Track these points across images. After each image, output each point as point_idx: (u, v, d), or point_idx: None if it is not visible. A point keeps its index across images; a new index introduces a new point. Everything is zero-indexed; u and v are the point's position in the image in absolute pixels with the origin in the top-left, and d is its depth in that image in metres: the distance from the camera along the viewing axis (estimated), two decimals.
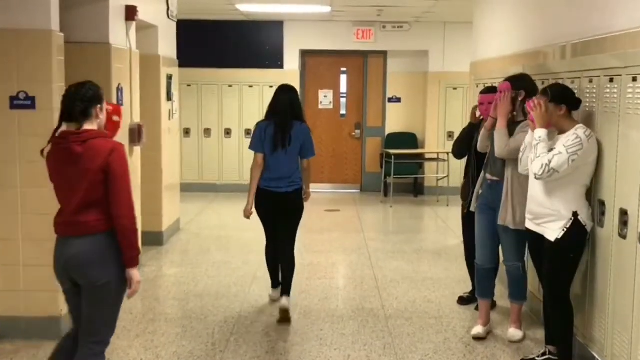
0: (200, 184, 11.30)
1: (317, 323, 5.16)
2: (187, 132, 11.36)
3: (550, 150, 4.08)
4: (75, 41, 5.60)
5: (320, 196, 9.10)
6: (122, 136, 6.00)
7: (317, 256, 7.27)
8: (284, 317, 5.16)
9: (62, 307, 4.70)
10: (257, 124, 5.31)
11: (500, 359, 4.54)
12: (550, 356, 4.35)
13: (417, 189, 11.31)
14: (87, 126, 3.26)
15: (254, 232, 8.21)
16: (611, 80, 3.98)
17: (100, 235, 3.20)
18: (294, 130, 5.22)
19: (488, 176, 4.91)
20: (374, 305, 5.61)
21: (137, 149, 6.51)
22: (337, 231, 8.52)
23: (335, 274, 6.71)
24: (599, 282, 4.13)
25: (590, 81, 4.27)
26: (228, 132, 11.36)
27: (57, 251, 3.29)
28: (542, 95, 4.25)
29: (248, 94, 11.32)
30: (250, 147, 5.32)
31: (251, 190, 5.27)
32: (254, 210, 5.32)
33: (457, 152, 5.72)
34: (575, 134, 4.06)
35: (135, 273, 3.26)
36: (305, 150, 5.31)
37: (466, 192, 5.42)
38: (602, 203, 4.06)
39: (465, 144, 5.51)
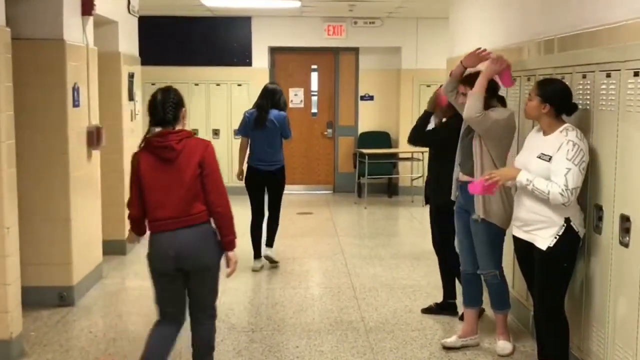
0: None
1: (292, 339, 4.80)
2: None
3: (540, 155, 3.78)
4: (25, 37, 5.18)
5: (292, 198, 8.75)
6: (79, 139, 5.59)
7: (290, 263, 6.91)
8: (272, 262, 6.61)
9: (12, 330, 4.27)
10: (244, 112, 6.63)
11: None
12: None
13: (391, 190, 11.02)
14: (177, 128, 3.61)
15: None
16: (608, 76, 3.69)
17: (205, 224, 3.59)
18: (271, 115, 6.46)
19: (460, 176, 4.59)
20: (352, 317, 5.27)
21: (96, 153, 6.08)
22: (310, 235, 8.17)
23: (310, 283, 6.35)
24: (597, 292, 3.84)
25: (584, 77, 3.98)
26: (195, 133, 10.88)
27: (162, 244, 3.58)
28: (535, 86, 3.98)
29: (215, 93, 10.90)
30: (237, 132, 6.78)
31: (240, 164, 6.65)
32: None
33: (412, 138, 5.17)
34: (570, 141, 3.72)
35: (233, 254, 3.67)
36: (283, 133, 6.56)
37: (427, 191, 5.20)
38: (600, 208, 3.77)
39: (420, 132, 5.09)
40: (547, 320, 3.91)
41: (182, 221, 3.54)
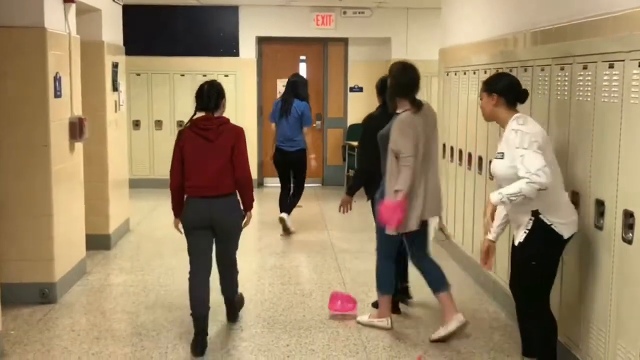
0: (152, 180, 10.65)
1: (283, 337, 4.66)
2: (136, 124, 10.71)
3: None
4: (4, 25, 5.02)
5: (278, 191, 8.57)
6: (61, 131, 5.40)
7: (279, 258, 6.77)
8: (285, 230, 7.67)
9: None
10: (274, 102, 7.92)
11: None
12: None
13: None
14: (217, 114, 4.46)
15: None
16: (611, 67, 3.57)
17: (232, 195, 4.46)
18: (294, 105, 7.50)
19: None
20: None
21: (79, 145, 5.88)
22: (300, 230, 8.01)
23: (300, 279, 6.20)
24: (598, 290, 3.72)
25: (585, 67, 3.85)
26: (180, 124, 10.69)
27: (199, 207, 4.37)
28: (481, 87, 3.92)
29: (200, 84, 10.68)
30: (269, 119, 7.86)
31: (273, 147, 7.81)
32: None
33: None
34: (512, 130, 3.62)
35: (250, 214, 4.61)
36: (303, 121, 7.51)
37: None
38: (601, 203, 3.65)
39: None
40: (528, 317, 3.79)
41: (216, 190, 4.37)
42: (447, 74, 7.11)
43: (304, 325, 4.90)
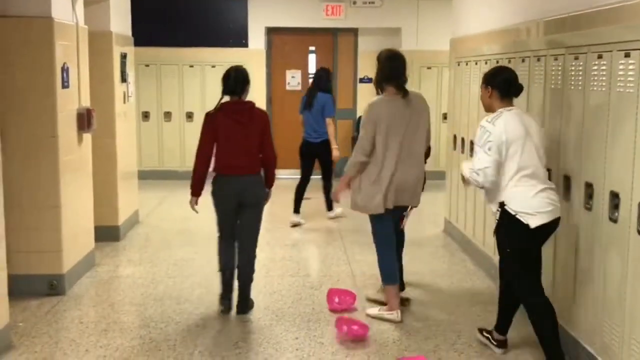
0: (161, 171, 10.64)
1: (292, 330, 4.62)
2: (145, 115, 10.67)
3: None
4: (11, 15, 4.96)
5: (289, 182, 8.48)
6: (69, 122, 5.37)
7: (289, 250, 6.73)
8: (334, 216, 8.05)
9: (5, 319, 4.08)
10: (303, 96, 7.98)
11: None
12: (484, 335, 4.31)
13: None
14: (243, 98, 4.79)
15: None
16: (627, 55, 3.49)
17: (259, 174, 4.82)
18: (317, 97, 7.67)
19: None
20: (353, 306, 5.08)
21: (87, 137, 5.85)
22: (309, 221, 7.97)
23: (310, 271, 6.16)
24: (609, 280, 3.66)
25: (600, 57, 3.77)
26: (190, 116, 10.69)
27: (230, 184, 4.75)
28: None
29: (210, 75, 10.62)
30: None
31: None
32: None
33: None
34: (481, 126, 3.90)
35: (270, 190, 4.94)
36: (325, 111, 7.65)
37: None
38: (616, 195, 3.57)
39: None
40: (521, 300, 4.01)
41: (246, 169, 4.74)
42: (458, 64, 7.02)
43: (313, 317, 4.86)
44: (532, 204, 3.77)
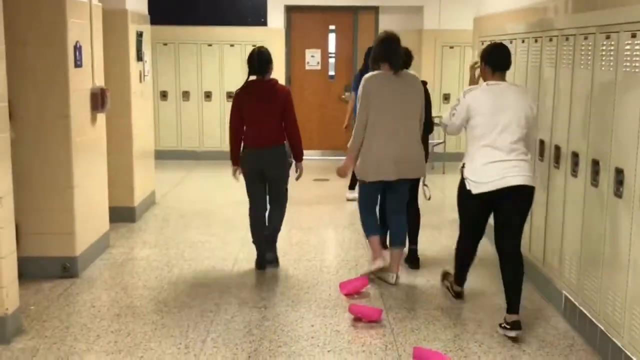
0: (179, 152, 10.56)
1: (307, 317, 4.51)
2: (164, 95, 10.57)
3: None
4: None
5: (307, 164, 8.32)
6: (82, 101, 5.27)
7: (305, 233, 6.60)
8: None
9: (7, 306, 4.00)
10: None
11: None
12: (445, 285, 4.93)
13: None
14: (267, 77, 5.18)
15: (237, 207, 7.55)
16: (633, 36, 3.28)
17: (283, 146, 5.25)
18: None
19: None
20: (370, 292, 4.96)
21: (102, 116, 5.75)
22: (326, 203, 7.85)
23: (327, 255, 6.04)
24: (612, 251, 3.49)
25: (634, 36, 3.56)
26: (208, 95, 10.57)
27: (258, 155, 5.20)
28: None
29: (229, 54, 10.50)
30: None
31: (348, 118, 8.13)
32: None
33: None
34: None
35: (301, 164, 5.39)
36: None
37: None
38: (620, 171, 3.41)
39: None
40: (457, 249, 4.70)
41: (270, 142, 5.17)
42: (482, 44, 6.78)
43: (330, 304, 4.74)
44: (478, 172, 4.18)
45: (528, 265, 5.17)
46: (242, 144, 5.26)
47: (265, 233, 5.43)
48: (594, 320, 3.98)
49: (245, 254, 5.77)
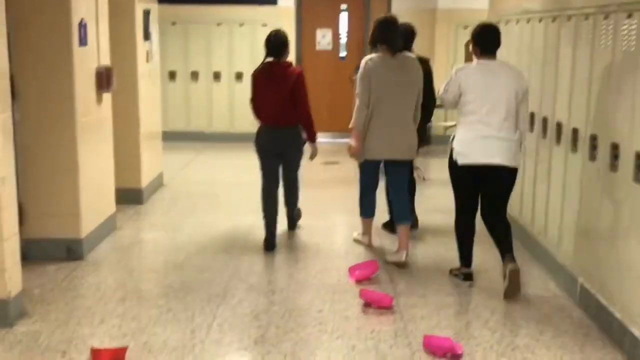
0: (188, 133, 10.46)
1: (315, 303, 4.41)
2: (172, 75, 10.45)
3: None
4: None
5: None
6: (87, 81, 5.16)
7: (315, 217, 6.47)
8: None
9: (10, 289, 3.93)
10: None
11: (536, 349, 3.78)
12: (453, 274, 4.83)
13: (423, 139, 10.44)
14: (283, 59, 5.37)
15: (245, 189, 7.45)
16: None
17: (296, 126, 5.44)
18: None
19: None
20: (381, 278, 4.85)
21: (107, 96, 5.64)
22: (336, 187, 7.74)
23: (336, 239, 5.94)
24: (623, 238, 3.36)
25: (630, 16, 3.41)
26: (217, 76, 10.44)
27: (270, 135, 5.37)
28: None
29: (238, 34, 10.36)
30: None
31: None
32: None
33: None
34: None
35: (314, 145, 5.60)
36: None
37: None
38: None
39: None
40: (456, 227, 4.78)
41: (280, 122, 5.33)
42: (498, 24, 6.61)
43: (338, 289, 4.64)
44: (465, 145, 4.41)
45: (541, 251, 5.06)
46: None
47: (286, 210, 5.84)
48: (610, 308, 3.86)
49: (253, 237, 5.68)
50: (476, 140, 4.39)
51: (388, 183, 5.41)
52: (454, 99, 4.52)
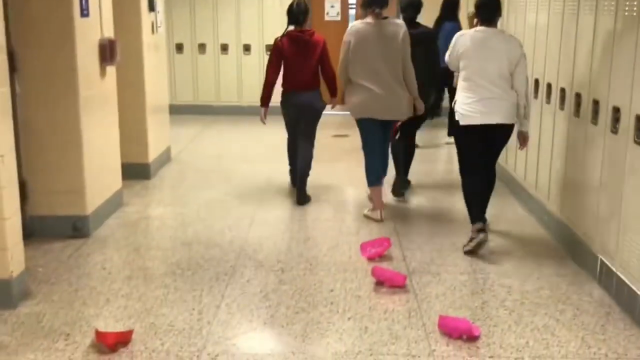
0: (195, 106, 10.30)
1: (326, 281, 4.29)
2: (179, 48, 10.27)
3: None
4: None
5: (326, 119, 8.02)
6: (89, 53, 5.00)
7: (324, 192, 6.35)
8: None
9: (12, 269, 3.82)
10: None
11: (556, 331, 3.65)
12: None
13: (432, 111, 10.23)
14: (305, 27, 5.87)
15: (253, 164, 7.32)
16: None
17: (318, 89, 5.89)
18: (443, 27, 7.67)
19: None
20: (393, 255, 4.72)
21: (111, 69, 5.48)
22: (346, 160, 7.58)
23: (346, 215, 5.79)
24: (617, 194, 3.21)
25: None
26: (225, 48, 10.25)
27: (293, 99, 5.85)
28: None
29: (245, 5, 10.14)
30: None
31: None
32: None
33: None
34: None
35: (336, 99, 6.05)
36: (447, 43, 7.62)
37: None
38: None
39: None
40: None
41: (308, 86, 5.82)
42: None
43: (350, 267, 4.51)
44: (465, 107, 4.67)
45: (560, 228, 4.91)
46: (282, 89, 5.90)
47: (297, 167, 6.01)
48: (632, 286, 3.72)
49: (261, 214, 5.56)
50: (474, 102, 4.65)
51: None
52: (455, 62, 4.83)
